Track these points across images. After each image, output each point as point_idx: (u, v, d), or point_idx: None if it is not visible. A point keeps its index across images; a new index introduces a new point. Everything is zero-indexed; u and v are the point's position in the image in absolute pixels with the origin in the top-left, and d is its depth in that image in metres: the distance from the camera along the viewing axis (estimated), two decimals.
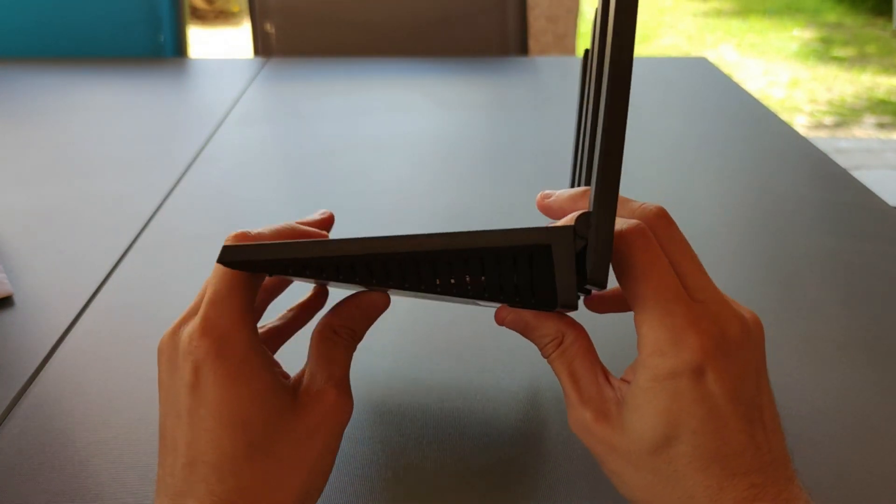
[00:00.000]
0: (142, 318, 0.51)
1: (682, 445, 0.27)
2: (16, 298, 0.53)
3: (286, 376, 0.32)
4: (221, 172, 0.76)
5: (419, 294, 0.30)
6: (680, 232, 0.29)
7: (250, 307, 0.29)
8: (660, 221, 0.29)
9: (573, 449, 0.39)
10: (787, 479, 0.27)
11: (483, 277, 0.28)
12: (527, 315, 0.31)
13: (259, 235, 0.31)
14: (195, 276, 0.56)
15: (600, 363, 0.31)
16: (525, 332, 0.32)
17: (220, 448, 0.27)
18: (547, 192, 0.33)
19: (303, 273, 0.28)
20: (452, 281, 0.28)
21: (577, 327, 0.31)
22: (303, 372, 0.31)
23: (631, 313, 0.29)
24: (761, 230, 0.64)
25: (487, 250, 0.27)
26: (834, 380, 0.45)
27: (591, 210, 0.25)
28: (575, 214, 0.26)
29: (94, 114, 0.94)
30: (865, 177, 0.84)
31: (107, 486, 0.36)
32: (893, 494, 0.36)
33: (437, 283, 0.28)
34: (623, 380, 0.30)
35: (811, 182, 0.74)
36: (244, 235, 0.30)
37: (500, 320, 0.32)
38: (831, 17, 5.13)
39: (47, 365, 0.46)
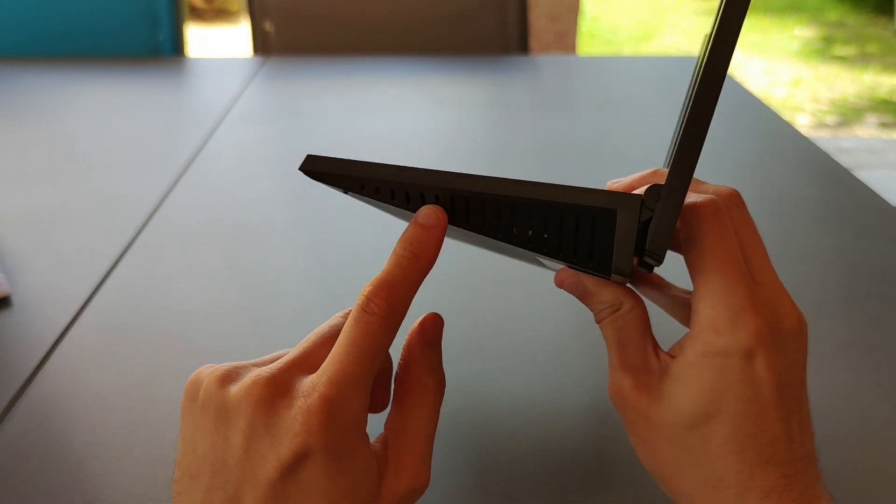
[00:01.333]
0: (140, 319, 0.50)
1: (721, 425, 0.26)
2: (14, 298, 0.53)
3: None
4: (220, 172, 0.76)
5: (484, 240, 0.30)
6: (750, 217, 0.29)
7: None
8: (733, 201, 0.29)
9: (572, 449, 0.39)
10: (814, 477, 0.27)
11: (545, 232, 0.28)
12: (587, 280, 0.30)
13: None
14: (194, 275, 0.56)
15: (652, 336, 0.30)
16: (583, 296, 0.31)
17: None
18: (615, 180, 0.33)
19: (380, 195, 0.29)
20: (514, 230, 0.28)
21: (636, 298, 0.30)
22: (385, 439, 0.29)
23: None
24: (763, 230, 0.63)
25: (553, 204, 0.27)
26: (835, 380, 0.45)
27: (663, 185, 0.26)
28: (647, 186, 0.26)
29: (92, 113, 0.94)
30: (868, 176, 0.84)
31: (104, 486, 0.36)
32: (894, 494, 0.36)
33: (501, 228, 0.28)
34: (670, 354, 0.29)
35: (813, 181, 0.74)
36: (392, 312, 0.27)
37: (559, 282, 0.31)
38: (833, 15, 5.13)
39: (45, 365, 0.46)
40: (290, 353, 0.28)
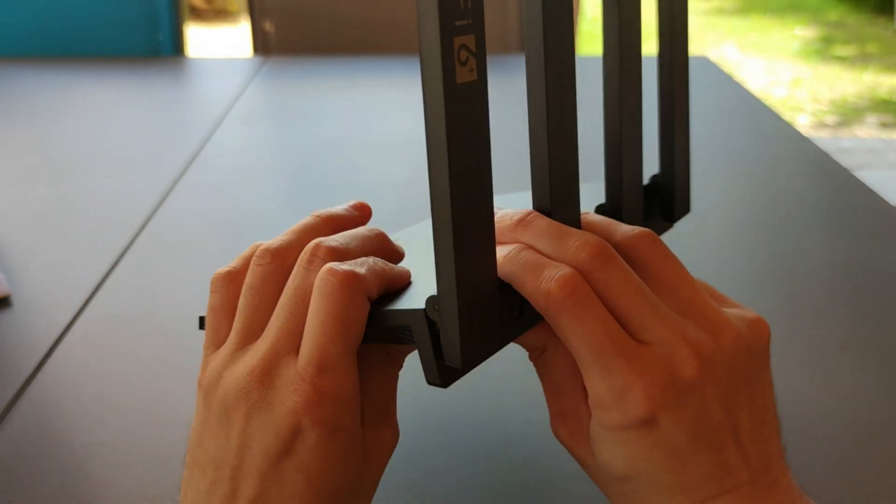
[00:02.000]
0: (140, 319, 0.50)
1: (643, 482, 0.26)
2: (13, 299, 0.53)
3: None
4: (220, 172, 0.76)
5: None
6: (622, 265, 0.26)
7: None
8: (594, 263, 0.26)
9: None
10: (769, 484, 0.26)
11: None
12: None
13: (352, 253, 0.28)
14: (194, 276, 0.56)
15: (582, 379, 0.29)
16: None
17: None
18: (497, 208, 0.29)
19: None
20: None
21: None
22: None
23: None
24: (763, 230, 0.64)
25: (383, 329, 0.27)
26: (836, 380, 0.45)
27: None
28: (429, 296, 0.25)
29: (92, 113, 0.94)
30: (868, 177, 0.84)
31: (104, 486, 0.36)
32: (894, 495, 0.36)
33: None
34: None
35: (813, 182, 0.74)
36: (353, 277, 0.26)
37: None
38: (833, 15, 5.13)
39: (45, 365, 0.46)
40: (272, 324, 0.27)
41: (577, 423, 0.28)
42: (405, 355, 0.30)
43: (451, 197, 0.23)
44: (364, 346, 0.27)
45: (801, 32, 4.74)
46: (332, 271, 0.26)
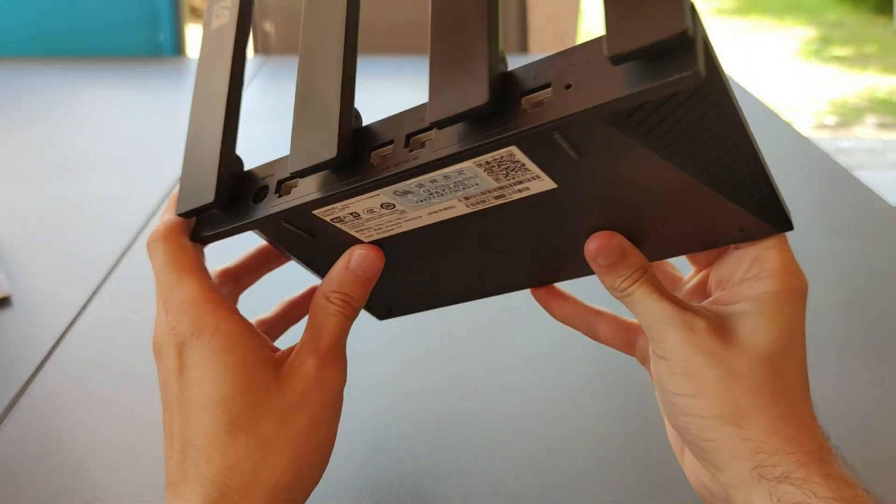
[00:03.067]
0: (140, 318, 0.50)
1: (797, 357, 0.28)
2: (14, 298, 0.53)
3: (274, 349, 0.30)
4: None
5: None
6: None
7: (212, 282, 0.30)
8: None
9: (577, 447, 0.39)
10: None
11: None
12: (626, 242, 0.30)
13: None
14: None
15: None
16: (622, 258, 0.29)
17: (204, 428, 0.27)
18: None
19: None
20: None
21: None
22: (292, 346, 0.31)
23: None
24: None
25: None
26: (834, 380, 0.45)
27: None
28: None
29: (92, 113, 0.94)
30: (867, 177, 0.84)
31: (105, 485, 0.36)
32: (894, 495, 0.36)
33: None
34: (715, 304, 0.30)
35: (812, 182, 0.74)
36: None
37: (597, 250, 0.30)
38: (832, 16, 5.13)
39: (46, 365, 0.46)
40: None
41: (710, 315, 0.29)
42: (347, 301, 0.30)
43: None
44: (316, 295, 0.31)
45: (801, 33, 4.74)
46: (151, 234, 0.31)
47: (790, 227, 0.30)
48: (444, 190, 0.26)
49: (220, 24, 0.33)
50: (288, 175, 0.28)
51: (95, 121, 0.91)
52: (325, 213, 0.28)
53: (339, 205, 0.28)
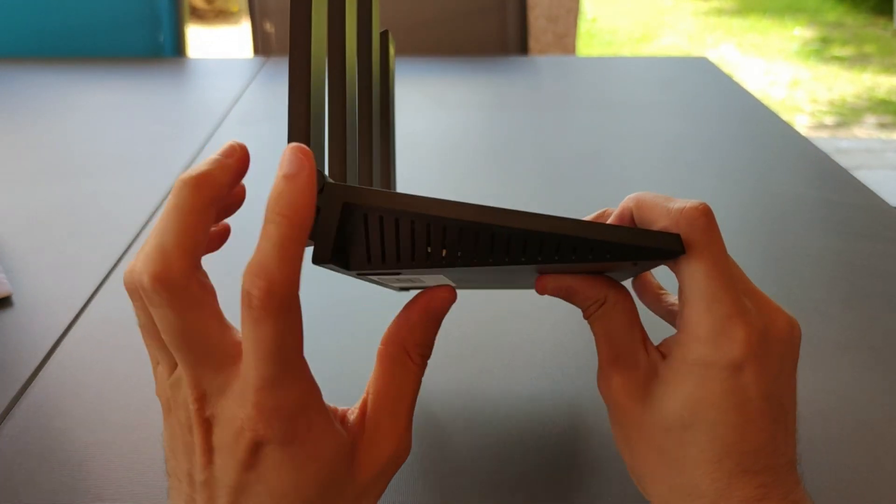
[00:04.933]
0: None
1: (700, 433, 0.26)
2: (15, 298, 0.53)
3: (342, 418, 0.27)
4: None
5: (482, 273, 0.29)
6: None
7: (312, 381, 0.25)
8: (704, 218, 0.27)
9: (577, 447, 0.39)
10: (794, 482, 0.27)
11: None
12: (569, 280, 0.29)
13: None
14: None
15: (641, 328, 0.29)
16: (568, 296, 0.30)
17: None
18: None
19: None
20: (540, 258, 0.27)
21: (622, 290, 0.29)
22: (363, 406, 0.27)
23: None
24: (762, 230, 0.64)
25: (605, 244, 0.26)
26: (834, 380, 0.45)
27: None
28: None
29: (93, 114, 0.94)
30: (866, 177, 0.84)
31: (105, 485, 0.36)
32: (894, 495, 0.36)
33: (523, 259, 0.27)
34: (660, 351, 0.29)
35: (812, 182, 0.74)
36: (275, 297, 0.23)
37: (541, 290, 0.30)
38: (832, 16, 5.13)
39: (46, 365, 0.46)
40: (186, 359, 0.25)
41: (632, 372, 0.28)
42: (425, 356, 0.28)
43: None
44: (382, 346, 0.28)
45: (800, 33, 4.74)
46: (249, 300, 0.23)
47: (681, 251, 0.26)
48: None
49: None
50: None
51: (95, 121, 0.91)
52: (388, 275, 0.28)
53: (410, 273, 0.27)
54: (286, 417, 0.24)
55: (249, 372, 0.24)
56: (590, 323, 0.30)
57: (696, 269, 0.26)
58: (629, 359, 0.29)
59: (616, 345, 0.29)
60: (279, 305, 0.23)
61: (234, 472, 0.25)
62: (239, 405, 0.24)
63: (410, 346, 0.28)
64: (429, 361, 0.29)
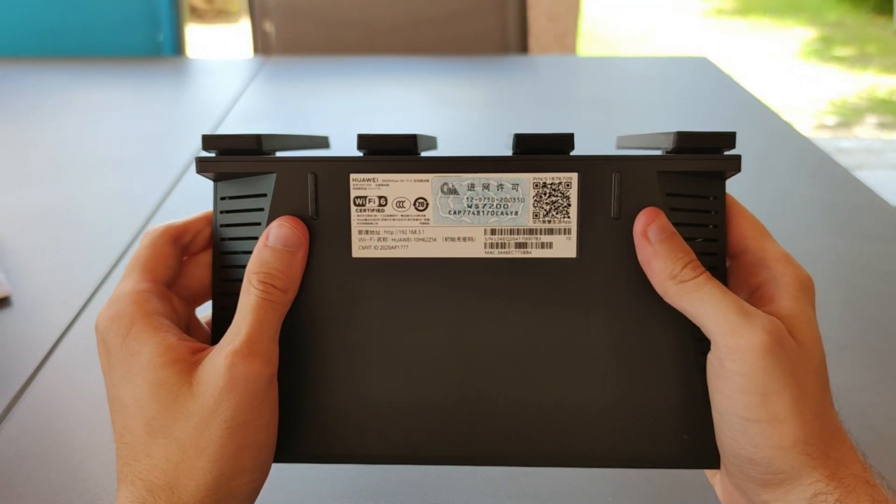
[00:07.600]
0: None
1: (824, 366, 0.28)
2: (14, 299, 0.53)
3: (200, 349, 0.28)
4: None
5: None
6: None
7: (152, 286, 0.29)
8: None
9: None
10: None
11: None
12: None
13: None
14: None
15: None
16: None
17: (127, 428, 0.27)
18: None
19: None
20: None
21: None
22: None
23: None
24: None
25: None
26: (835, 380, 0.44)
27: None
28: None
29: (92, 113, 0.94)
30: (867, 177, 0.84)
31: (105, 485, 0.36)
32: (893, 495, 0.36)
33: None
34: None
35: (812, 182, 0.74)
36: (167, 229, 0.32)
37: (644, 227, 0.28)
38: (832, 16, 5.13)
39: (46, 365, 0.46)
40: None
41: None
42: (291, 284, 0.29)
43: None
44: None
45: (801, 33, 4.74)
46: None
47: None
48: (485, 205, 0.27)
49: None
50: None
51: (95, 121, 0.91)
52: (359, 185, 0.27)
53: (381, 176, 0.27)
54: (117, 309, 0.27)
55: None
56: (691, 292, 0.27)
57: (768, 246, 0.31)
58: (763, 314, 0.28)
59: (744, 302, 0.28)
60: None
61: (105, 380, 0.28)
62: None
63: (248, 274, 0.28)
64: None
